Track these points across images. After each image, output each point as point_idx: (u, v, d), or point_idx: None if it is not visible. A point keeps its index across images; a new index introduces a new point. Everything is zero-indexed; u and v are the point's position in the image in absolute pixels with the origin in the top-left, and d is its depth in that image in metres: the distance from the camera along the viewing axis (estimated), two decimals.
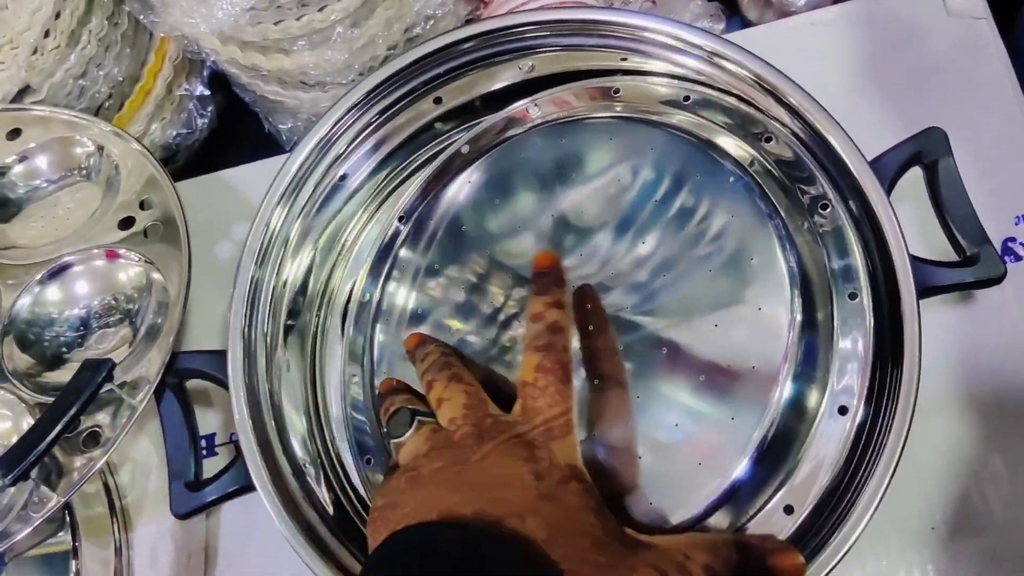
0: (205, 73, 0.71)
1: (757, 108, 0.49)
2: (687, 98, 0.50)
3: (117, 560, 0.55)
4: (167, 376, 0.49)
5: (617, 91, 0.51)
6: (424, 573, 0.29)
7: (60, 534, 0.55)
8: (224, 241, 0.64)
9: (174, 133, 0.70)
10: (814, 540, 0.41)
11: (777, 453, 0.41)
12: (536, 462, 0.34)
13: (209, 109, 0.71)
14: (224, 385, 0.49)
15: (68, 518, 0.54)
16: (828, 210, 0.46)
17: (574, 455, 0.36)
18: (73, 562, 0.53)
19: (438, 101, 0.55)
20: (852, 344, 0.43)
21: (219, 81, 0.73)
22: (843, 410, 0.42)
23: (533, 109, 0.52)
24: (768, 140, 0.48)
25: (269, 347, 0.51)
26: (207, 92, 0.71)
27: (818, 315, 0.44)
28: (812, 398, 0.43)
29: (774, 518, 0.41)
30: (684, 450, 0.41)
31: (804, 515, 0.41)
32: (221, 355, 0.49)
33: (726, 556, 0.33)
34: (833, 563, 0.39)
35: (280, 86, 0.66)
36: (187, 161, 0.75)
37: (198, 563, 0.56)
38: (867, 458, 0.42)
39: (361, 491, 0.48)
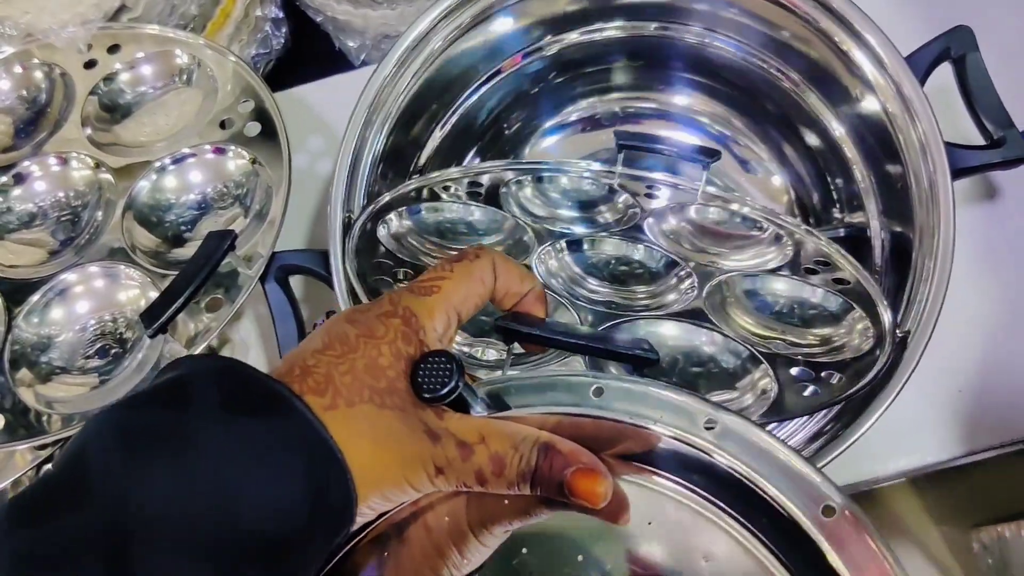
0: None
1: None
2: None
3: None
4: (272, 269, 0.53)
5: None
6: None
7: None
8: (300, 152, 0.69)
9: (252, 53, 0.75)
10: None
11: None
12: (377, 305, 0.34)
13: (283, 30, 0.76)
14: (327, 281, 0.51)
15: None
16: None
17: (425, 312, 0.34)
18: None
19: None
20: None
21: (291, 5, 0.78)
22: None
23: None
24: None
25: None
26: (281, 14, 0.76)
27: None
28: None
29: None
30: None
31: None
32: (323, 254, 0.52)
33: (525, 454, 0.31)
34: None
35: (351, 4, 0.72)
36: (263, 80, 0.79)
37: None
38: None
39: None
